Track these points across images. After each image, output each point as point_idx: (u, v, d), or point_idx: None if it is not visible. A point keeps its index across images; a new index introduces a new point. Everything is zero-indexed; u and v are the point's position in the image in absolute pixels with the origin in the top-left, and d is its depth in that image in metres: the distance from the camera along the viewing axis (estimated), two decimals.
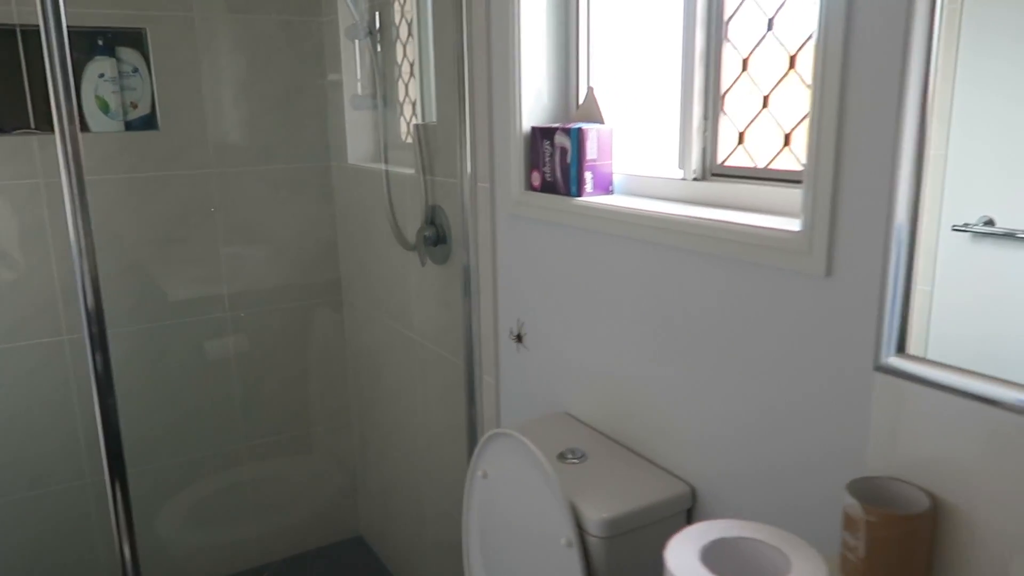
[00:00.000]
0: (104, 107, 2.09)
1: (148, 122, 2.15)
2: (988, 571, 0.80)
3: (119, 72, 2.09)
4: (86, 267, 1.36)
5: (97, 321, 1.40)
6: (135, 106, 2.12)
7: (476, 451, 1.37)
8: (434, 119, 1.89)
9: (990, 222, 0.75)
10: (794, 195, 1.08)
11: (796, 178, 1.10)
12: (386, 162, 2.09)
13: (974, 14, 0.76)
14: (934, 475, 0.83)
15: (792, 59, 1.11)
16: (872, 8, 0.84)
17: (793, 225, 0.98)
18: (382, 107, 2.12)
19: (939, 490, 0.83)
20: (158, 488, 2.32)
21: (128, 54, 2.09)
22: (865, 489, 0.85)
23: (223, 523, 2.46)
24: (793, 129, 1.13)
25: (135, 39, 2.09)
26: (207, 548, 2.45)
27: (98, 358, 1.41)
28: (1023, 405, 0.74)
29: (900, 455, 0.87)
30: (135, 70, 2.11)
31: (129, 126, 2.13)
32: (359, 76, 2.24)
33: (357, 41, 2.19)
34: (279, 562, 2.54)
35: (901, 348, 0.86)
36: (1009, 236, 0.74)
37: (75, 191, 1.32)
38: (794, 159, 1.13)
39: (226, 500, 2.46)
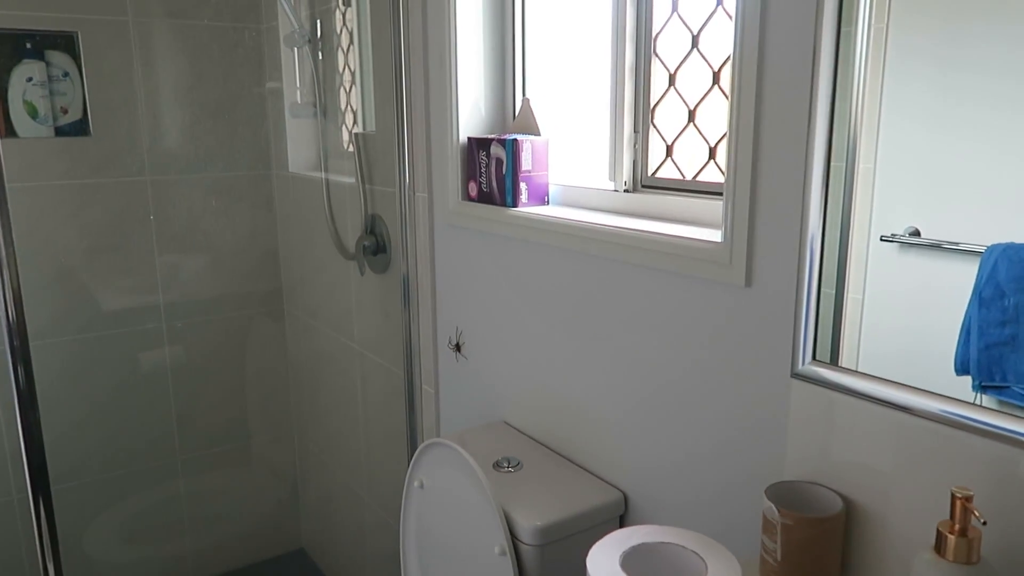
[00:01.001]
0: (32, 112, 2.03)
1: (79, 128, 2.10)
2: (896, 569, 0.83)
3: (48, 76, 2.03)
4: (7, 278, 1.32)
5: (19, 334, 1.35)
6: (65, 111, 2.06)
7: (412, 461, 1.36)
8: (373, 128, 1.88)
9: (916, 233, 0.78)
10: (719, 207, 1.10)
11: (721, 191, 1.13)
12: (326, 171, 2.08)
13: (898, 42, 0.79)
14: (847, 478, 0.87)
15: (716, 75, 1.14)
16: (783, 28, 0.87)
17: (716, 237, 1.01)
18: (321, 116, 2.10)
19: (853, 493, 0.86)
20: (87, 504, 2.25)
21: (58, 58, 2.03)
22: (783, 493, 0.88)
23: (157, 539, 2.40)
24: (717, 143, 1.16)
25: (66, 42, 2.04)
26: (140, 564, 2.38)
27: (20, 372, 1.37)
28: (932, 411, 0.77)
29: (817, 460, 0.90)
30: (66, 74, 2.05)
31: (59, 132, 2.07)
32: (299, 84, 2.22)
33: (297, 49, 2.17)
34: None
35: (815, 355, 0.89)
36: (935, 246, 0.77)
37: None
38: (719, 172, 1.16)
39: (160, 515, 2.39)
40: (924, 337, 0.79)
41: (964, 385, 0.75)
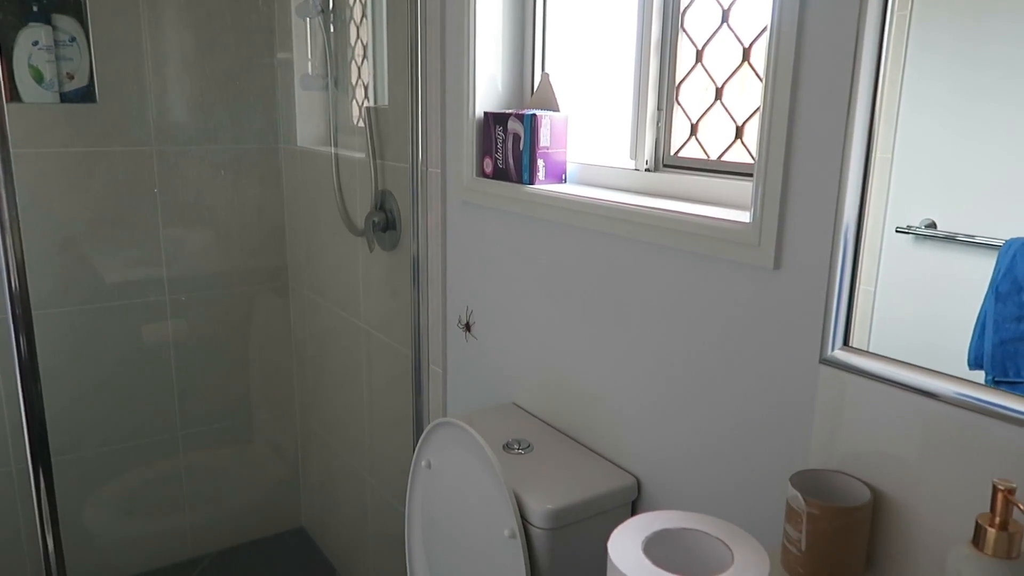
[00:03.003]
0: (38, 76, 1.99)
1: (85, 94, 2.06)
2: (925, 562, 0.81)
3: (55, 41, 1.99)
4: (11, 245, 1.29)
5: (22, 303, 1.33)
6: (71, 77, 2.03)
7: (420, 440, 1.34)
8: (386, 102, 1.85)
9: (932, 225, 0.77)
10: (745, 188, 1.07)
11: (748, 171, 1.10)
12: (335, 145, 2.04)
13: (918, 35, 0.77)
14: (875, 468, 0.84)
15: (746, 52, 1.11)
16: (825, 4, 0.84)
17: (743, 217, 0.98)
18: (333, 88, 2.07)
19: (880, 482, 0.84)
20: (87, 477, 2.23)
21: (65, 22, 1.99)
22: (808, 482, 0.86)
23: (156, 514, 2.38)
24: (745, 122, 1.12)
25: (73, 6, 1.99)
26: (139, 539, 2.37)
27: (22, 341, 1.34)
28: (960, 398, 0.75)
29: (843, 447, 0.87)
30: (72, 39, 2.01)
31: (65, 98, 2.03)
32: (310, 56, 2.18)
33: (309, 20, 2.13)
34: (216, 553, 2.47)
35: (846, 341, 0.86)
36: (949, 239, 0.75)
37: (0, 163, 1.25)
38: (746, 152, 1.13)
39: (160, 490, 2.38)
40: (937, 330, 0.77)
41: (977, 380, 0.73)
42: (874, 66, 0.80)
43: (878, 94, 0.80)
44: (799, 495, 0.82)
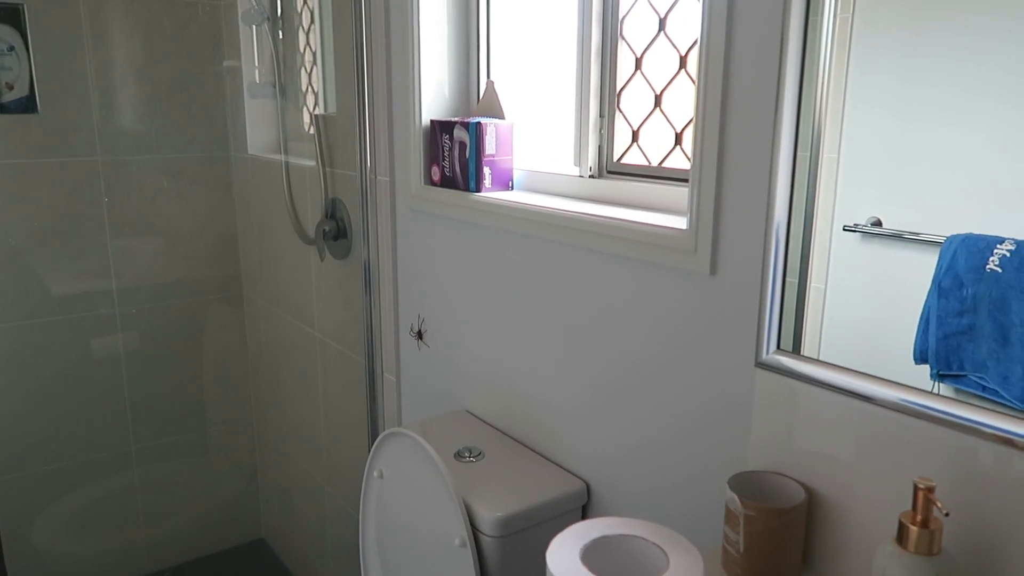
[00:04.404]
0: None
1: (26, 105, 2.01)
2: (858, 561, 0.83)
3: None
4: None
5: None
6: (11, 87, 1.98)
7: (372, 451, 1.33)
8: (334, 110, 1.83)
9: (878, 223, 0.78)
10: (685, 194, 1.09)
11: (687, 177, 1.11)
12: (286, 153, 2.02)
13: (863, 32, 0.78)
14: (811, 468, 0.86)
15: (683, 59, 1.12)
16: (751, 12, 0.85)
17: (681, 224, 0.99)
18: (281, 96, 2.05)
19: (816, 484, 0.85)
20: (36, 495, 2.18)
21: (3, 31, 1.94)
22: (745, 483, 0.87)
23: (110, 530, 2.33)
24: (683, 128, 1.14)
25: (11, 15, 1.95)
26: (92, 557, 2.32)
27: None
28: (894, 401, 0.76)
29: (780, 449, 0.89)
30: (11, 48, 1.96)
31: (4, 108, 1.98)
32: (257, 64, 2.15)
33: (255, 27, 2.10)
34: (174, 568, 2.43)
35: (779, 344, 0.88)
36: (895, 236, 0.77)
37: None
38: (685, 159, 1.14)
39: (113, 506, 2.33)
40: (884, 327, 0.78)
41: (923, 374, 0.75)
42: (798, 71, 0.82)
43: (803, 97, 0.82)
44: (736, 497, 0.83)
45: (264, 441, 2.50)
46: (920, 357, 0.75)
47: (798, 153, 0.83)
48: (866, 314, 0.80)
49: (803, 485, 0.86)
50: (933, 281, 0.73)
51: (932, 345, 0.73)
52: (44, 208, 2.09)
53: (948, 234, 0.72)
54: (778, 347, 0.88)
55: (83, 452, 2.26)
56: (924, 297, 0.74)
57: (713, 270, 0.94)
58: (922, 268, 0.73)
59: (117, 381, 2.27)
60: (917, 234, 0.75)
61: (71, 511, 2.24)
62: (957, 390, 0.73)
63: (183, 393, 2.42)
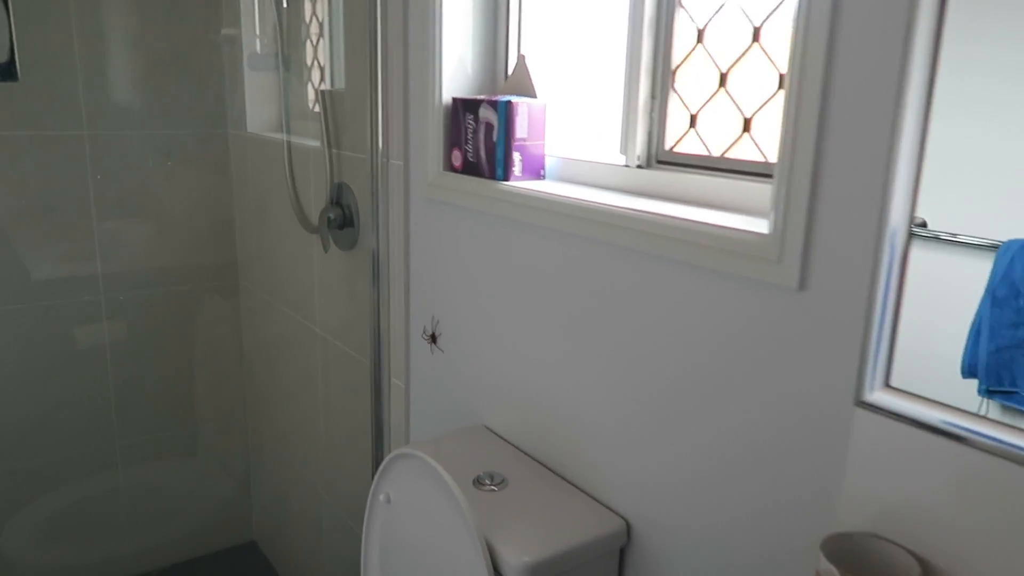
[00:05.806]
0: None
1: (5, 72, 1.85)
2: None
3: None
4: None
5: None
6: None
7: (379, 472, 1.18)
8: (342, 85, 1.67)
9: (923, 224, 0.70)
10: (754, 189, 0.93)
11: (757, 170, 0.95)
12: (288, 132, 1.86)
13: None
14: (924, 535, 0.70)
15: (756, 32, 0.96)
16: None
17: (759, 226, 0.83)
18: (284, 69, 1.88)
19: (929, 554, 0.69)
20: (11, 496, 2.03)
21: None
22: (842, 549, 0.71)
23: (93, 530, 2.19)
24: (755, 113, 0.97)
25: None
26: (73, 559, 2.17)
27: None
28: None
29: (879, 504, 0.73)
30: None
31: None
32: (259, 33, 1.98)
33: None
34: (161, 570, 2.29)
35: (888, 381, 0.72)
36: (940, 239, 0.69)
37: None
38: (755, 147, 0.98)
39: (97, 505, 2.19)
40: (929, 337, 0.70)
41: (970, 388, 0.67)
42: (933, 38, 0.65)
43: (937, 71, 0.66)
44: (834, 569, 0.68)
45: (258, 442, 2.36)
46: (969, 371, 0.67)
47: (926, 143, 0.67)
48: (909, 323, 0.70)
49: (913, 554, 0.70)
50: (987, 290, 0.65)
51: (982, 358, 0.66)
52: (23, 185, 1.94)
53: (1003, 239, 0.64)
54: (886, 383, 0.72)
55: (62, 449, 2.11)
56: (975, 307, 0.65)
57: (803, 284, 0.78)
58: (972, 274, 0.66)
59: (101, 373, 2.12)
60: (962, 237, 0.67)
61: (47, 514, 2.09)
62: (1004, 407, 0.66)
63: (172, 387, 2.28)
